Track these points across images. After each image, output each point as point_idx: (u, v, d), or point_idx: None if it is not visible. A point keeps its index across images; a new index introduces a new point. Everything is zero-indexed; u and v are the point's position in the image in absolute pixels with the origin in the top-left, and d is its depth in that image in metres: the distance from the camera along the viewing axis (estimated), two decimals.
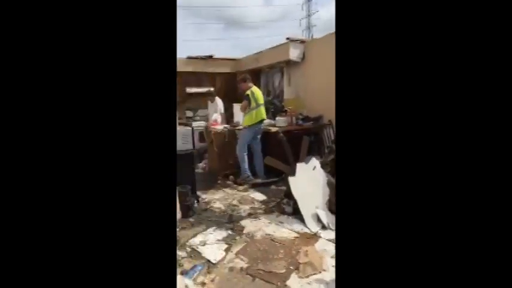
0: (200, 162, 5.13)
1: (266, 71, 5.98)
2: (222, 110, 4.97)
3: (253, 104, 4.00)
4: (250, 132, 4.04)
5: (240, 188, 3.94)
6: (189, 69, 6.28)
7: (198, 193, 3.73)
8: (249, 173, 4.08)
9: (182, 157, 3.37)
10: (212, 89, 6.45)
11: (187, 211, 3.11)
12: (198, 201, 3.50)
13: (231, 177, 4.28)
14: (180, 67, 6.23)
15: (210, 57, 6.40)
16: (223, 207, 3.32)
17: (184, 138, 3.44)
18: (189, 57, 6.32)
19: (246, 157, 4.08)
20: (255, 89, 4.11)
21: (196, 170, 4.81)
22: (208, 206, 3.38)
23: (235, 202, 3.46)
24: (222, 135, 4.35)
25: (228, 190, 3.93)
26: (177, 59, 6.51)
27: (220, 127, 4.47)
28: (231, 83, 6.58)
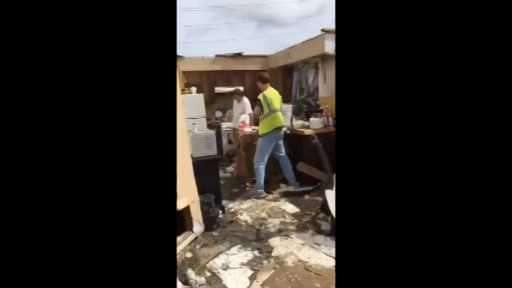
0: (229, 166, 4.85)
1: (299, 67, 5.51)
2: (250, 110, 4.60)
3: (265, 110, 3.50)
4: (267, 142, 3.55)
5: (270, 196, 3.56)
6: (218, 68, 6.02)
7: (224, 202, 3.42)
8: (262, 190, 3.61)
9: (205, 163, 3.06)
10: (241, 88, 6.14)
11: (211, 224, 2.80)
12: (223, 212, 3.18)
13: None
14: (208, 66, 6.01)
15: (239, 54, 6.08)
16: (250, 220, 2.97)
17: (207, 142, 3.13)
18: (218, 56, 6.06)
19: (262, 170, 3.59)
20: (269, 91, 3.56)
21: (224, 174, 4.56)
22: (234, 218, 3.04)
23: (263, 215, 3.08)
24: (250, 138, 4.00)
25: (256, 199, 3.57)
26: (205, 58, 6.33)
27: (248, 129, 4.12)
28: None
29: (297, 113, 4.60)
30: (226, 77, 6.10)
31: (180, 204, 2.51)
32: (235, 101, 4.90)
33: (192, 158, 3.08)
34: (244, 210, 3.24)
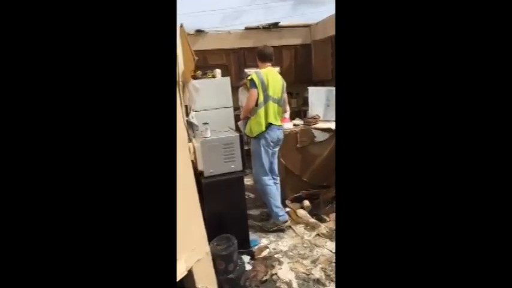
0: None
1: None
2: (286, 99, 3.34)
3: (260, 98, 2.28)
4: (263, 145, 2.35)
5: (322, 226, 2.37)
6: (249, 44, 4.79)
7: (253, 237, 2.30)
8: (283, 215, 2.42)
9: (223, 184, 1.95)
10: (277, 68, 4.87)
11: None
12: (253, 258, 2.07)
13: (306, 203, 2.73)
14: (237, 42, 4.82)
15: (275, 25, 4.79)
16: (295, 282, 1.81)
17: (227, 152, 2.00)
18: (248, 28, 4.82)
19: (269, 188, 2.39)
20: (268, 71, 2.35)
21: (249, 183, 3.42)
22: (268, 274, 1.91)
23: (317, 269, 1.90)
24: (291, 138, 2.79)
25: (302, 229, 2.41)
26: (232, 32, 5.14)
27: (288, 125, 2.90)
28: (303, 59, 4.89)
29: None
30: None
31: (180, 270, 1.42)
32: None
33: (201, 177, 1.96)
34: (285, 253, 2.11)
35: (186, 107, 2.52)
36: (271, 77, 2.35)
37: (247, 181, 3.01)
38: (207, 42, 4.64)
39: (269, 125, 2.33)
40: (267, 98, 2.31)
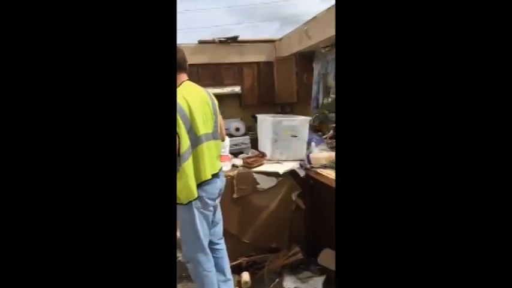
0: None
1: (323, 52, 3.44)
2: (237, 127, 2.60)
3: (184, 144, 1.40)
4: (193, 212, 1.49)
5: None
6: (203, 60, 4.12)
7: None
8: None
9: None
10: (237, 88, 4.20)
11: None
12: None
13: (244, 277, 1.97)
14: (189, 57, 4.15)
15: (234, 39, 4.14)
16: None
17: None
18: (202, 42, 4.16)
19: (206, 275, 1.58)
20: (187, 87, 1.49)
21: None
22: None
23: None
24: (226, 186, 2.02)
25: None
26: (182, 45, 4.47)
27: (227, 166, 2.14)
28: (267, 78, 4.24)
29: (319, 132, 2.59)
30: (215, 72, 4.18)
31: None
32: None
33: None
34: None
35: None
36: (194, 98, 1.46)
37: None
38: None
39: (206, 182, 1.50)
40: (195, 140, 1.44)
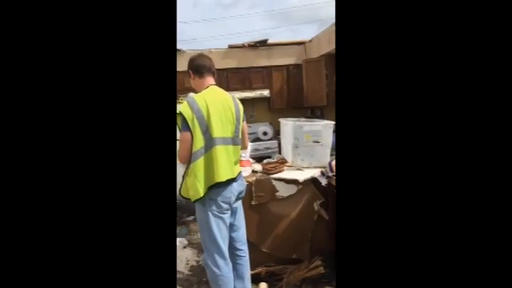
0: None
1: None
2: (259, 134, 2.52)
3: (197, 141, 1.41)
4: (207, 212, 1.47)
5: None
6: (232, 64, 4.14)
7: None
8: None
9: None
10: (265, 92, 4.15)
11: None
12: None
13: (262, 286, 1.89)
14: (217, 63, 4.16)
15: (263, 42, 4.10)
16: None
17: None
18: (232, 46, 4.18)
19: (222, 279, 1.52)
20: (210, 91, 1.51)
21: None
22: None
23: None
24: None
25: None
26: (213, 50, 4.52)
27: (247, 171, 2.09)
28: (296, 81, 4.14)
29: None
30: (244, 76, 4.17)
31: None
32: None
33: None
34: None
35: None
36: (214, 100, 1.46)
37: None
38: (183, 62, 4.05)
39: (220, 184, 1.45)
40: (210, 141, 1.43)
